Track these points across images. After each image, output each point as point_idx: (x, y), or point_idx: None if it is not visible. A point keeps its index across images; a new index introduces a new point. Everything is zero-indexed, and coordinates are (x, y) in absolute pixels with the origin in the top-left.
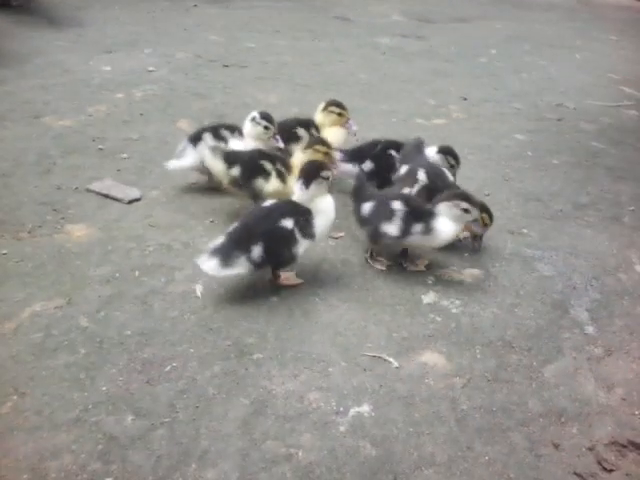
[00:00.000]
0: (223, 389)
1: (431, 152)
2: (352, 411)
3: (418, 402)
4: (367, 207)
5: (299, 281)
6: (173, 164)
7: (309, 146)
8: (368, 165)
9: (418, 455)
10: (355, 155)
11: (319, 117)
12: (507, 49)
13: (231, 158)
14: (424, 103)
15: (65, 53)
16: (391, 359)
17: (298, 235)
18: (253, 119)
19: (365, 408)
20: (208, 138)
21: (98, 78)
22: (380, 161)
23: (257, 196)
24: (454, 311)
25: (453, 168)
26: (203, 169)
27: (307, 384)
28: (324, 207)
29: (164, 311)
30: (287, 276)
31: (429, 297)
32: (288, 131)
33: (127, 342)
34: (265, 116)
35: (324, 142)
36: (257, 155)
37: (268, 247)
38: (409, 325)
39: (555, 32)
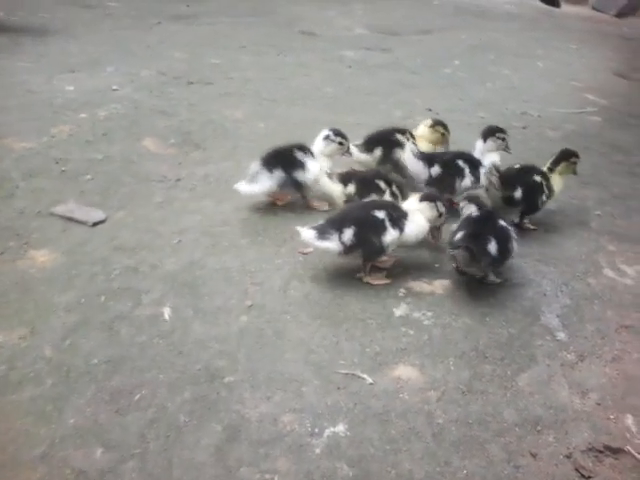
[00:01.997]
0: (194, 416)
1: (479, 145)
2: (327, 431)
3: (393, 418)
4: (493, 246)
5: (387, 281)
6: (244, 188)
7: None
8: (436, 170)
9: (396, 473)
10: (427, 158)
11: (424, 131)
12: (471, 59)
13: (347, 177)
14: (390, 115)
15: (27, 73)
16: (365, 375)
17: (388, 224)
18: (327, 137)
19: (340, 428)
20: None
21: (61, 98)
22: (448, 167)
23: None
24: (426, 323)
25: (505, 141)
26: (274, 193)
27: (281, 406)
28: (419, 221)
29: (132, 336)
30: (376, 275)
31: (401, 310)
32: (388, 139)
33: (94, 371)
34: (338, 132)
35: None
36: (373, 174)
37: (359, 232)
38: (381, 339)
39: (518, 42)
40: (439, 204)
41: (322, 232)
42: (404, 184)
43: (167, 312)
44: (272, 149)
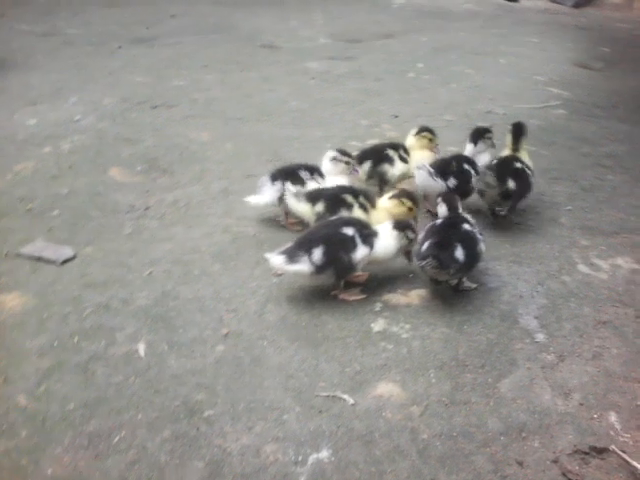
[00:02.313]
0: (175, 454)
1: (470, 148)
2: (311, 458)
3: (377, 438)
4: (460, 252)
5: (362, 296)
6: (252, 198)
7: (397, 197)
8: (452, 182)
9: None
10: (440, 172)
11: (411, 140)
12: (434, 61)
13: (314, 196)
14: (357, 125)
15: None
16: (346, 396)
17: (358, 241)
18: (334, 158)
19: (324, 453)
20: (288, 184)
21: (23, 133)
22: (460, 176)
23: None
24: (404, 336)
25: (491, 140)
26: (281, 206)
27: (262, 436)
28: (389, 240)
29: (107, 377)
30: (351, 291)
31: (379, 325)
32: (379, 154)
33: (71, 416)
34: (344, 152)
35: (412, 197)
36: (339, 190)
37: (328, 250)
38: (361, 357)
39: (479, 40)
40: (408, 232)
41: (291, 255)
42: (373, 193)
43: (142, 348)
44: (284, 164)
